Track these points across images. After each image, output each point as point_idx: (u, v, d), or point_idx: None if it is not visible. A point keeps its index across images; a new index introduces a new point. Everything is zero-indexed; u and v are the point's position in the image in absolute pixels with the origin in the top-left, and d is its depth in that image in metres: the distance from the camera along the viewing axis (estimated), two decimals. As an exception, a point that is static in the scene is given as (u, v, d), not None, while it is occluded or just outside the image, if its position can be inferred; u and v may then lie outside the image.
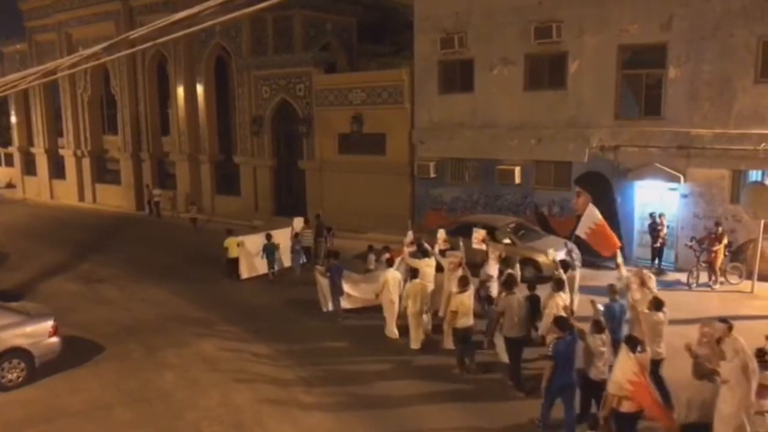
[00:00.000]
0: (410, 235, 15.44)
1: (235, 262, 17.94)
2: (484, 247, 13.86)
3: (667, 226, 16.87)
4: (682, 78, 16.75)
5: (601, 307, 10.00)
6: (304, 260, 18.14)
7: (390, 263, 13.52)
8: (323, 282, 14.66)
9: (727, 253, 15.72)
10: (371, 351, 12.49)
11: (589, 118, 18.32)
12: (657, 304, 9.76)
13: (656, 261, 17.07)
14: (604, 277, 14.53)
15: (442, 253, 14.03)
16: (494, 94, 20.03)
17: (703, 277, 15.69)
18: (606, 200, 18.18)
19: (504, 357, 11.08)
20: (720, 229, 15.67)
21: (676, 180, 16.86)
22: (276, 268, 17.89)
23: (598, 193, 18.29)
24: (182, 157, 29.86)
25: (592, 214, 12.98)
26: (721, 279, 15.68)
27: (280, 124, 26.35)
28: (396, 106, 22.33)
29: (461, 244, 13.74)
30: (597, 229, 12.85)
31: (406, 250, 14.45)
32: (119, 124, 32.44)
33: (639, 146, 17.52)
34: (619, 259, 12.34)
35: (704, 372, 7.43)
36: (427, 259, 13.58)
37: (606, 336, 9.06)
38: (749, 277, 15.34)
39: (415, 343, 12.43)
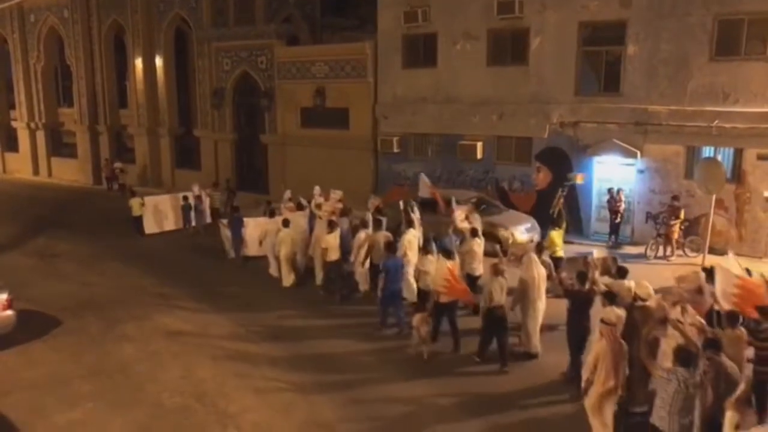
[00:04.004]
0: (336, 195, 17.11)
1: (139, 219, 20.19)
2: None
3: (625, 201, 17.26)
4: (640, 55, 17.01)
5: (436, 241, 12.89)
6: (209, 220, 20.17)
7: (272, 215, 15.63)
8: (226, 233, 16.81)
9: (682, 228, 16.20)
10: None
11: (550, 94, 18.51)
12: (473, 233, 13.00)
13: (613, 236, 17.47)
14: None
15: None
16: (457, 69, 20.06)
17: (662, 250, 16.17)
18: (565, 175, 18.49)
19: (364, 286, 13.68)
20: (677, 203, 16.13)
21: (633, 156, 17.22)
22: (193, 224, 20.29)
23: (558, 168, 18.64)
24: (141, 131, 29.20)
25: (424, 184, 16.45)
26: (679, 252, 16.16)
27: (242, 97, 25.92)
28: (359, 80, 22.18)
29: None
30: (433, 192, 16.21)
31: (284, 206, 16.49)
32: (75, 95, 31.52)
33: (598, 122, 17.79)
34: (453, 205, 14.82)
35: (498, 271, 10.36)
36: (300, 212, 15.87)
37: (432, 257, 11.62)
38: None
39: (286, 281, 14.67)
